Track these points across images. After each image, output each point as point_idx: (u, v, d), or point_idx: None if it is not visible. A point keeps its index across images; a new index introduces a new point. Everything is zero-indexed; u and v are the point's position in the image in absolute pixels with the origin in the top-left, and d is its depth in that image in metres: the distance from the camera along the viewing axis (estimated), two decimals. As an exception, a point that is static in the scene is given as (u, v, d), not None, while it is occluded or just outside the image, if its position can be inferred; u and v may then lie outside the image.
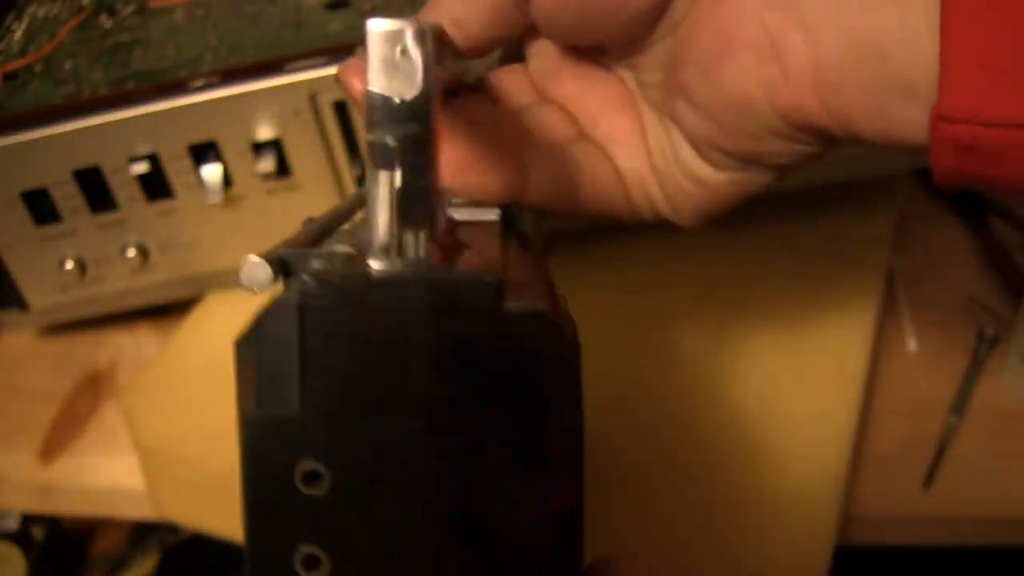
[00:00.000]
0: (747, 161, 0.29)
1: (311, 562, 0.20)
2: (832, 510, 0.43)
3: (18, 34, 0.51)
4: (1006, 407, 0.47)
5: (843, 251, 0.52)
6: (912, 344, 0.50)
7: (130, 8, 0.51)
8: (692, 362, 0.49)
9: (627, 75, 0.32)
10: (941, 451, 0.45)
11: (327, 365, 0.19)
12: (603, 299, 0.52)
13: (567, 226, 0.51)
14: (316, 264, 0.19)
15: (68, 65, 0.47)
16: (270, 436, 0.19)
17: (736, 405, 0.47)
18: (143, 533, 0.68)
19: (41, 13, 0.52)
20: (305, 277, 0.19)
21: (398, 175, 0.19)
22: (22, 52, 0.49)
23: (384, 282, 0.19)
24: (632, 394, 0.48)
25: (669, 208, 0.32)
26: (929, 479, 0.45)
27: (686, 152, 0.30)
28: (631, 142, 0.32)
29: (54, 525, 0.62)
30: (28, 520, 0.61)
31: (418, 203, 0.19)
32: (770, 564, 0.43)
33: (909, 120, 0.25)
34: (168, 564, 0.67)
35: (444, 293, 0.19)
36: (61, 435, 0.52)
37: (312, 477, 0.19)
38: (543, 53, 0.32)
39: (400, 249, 0.19)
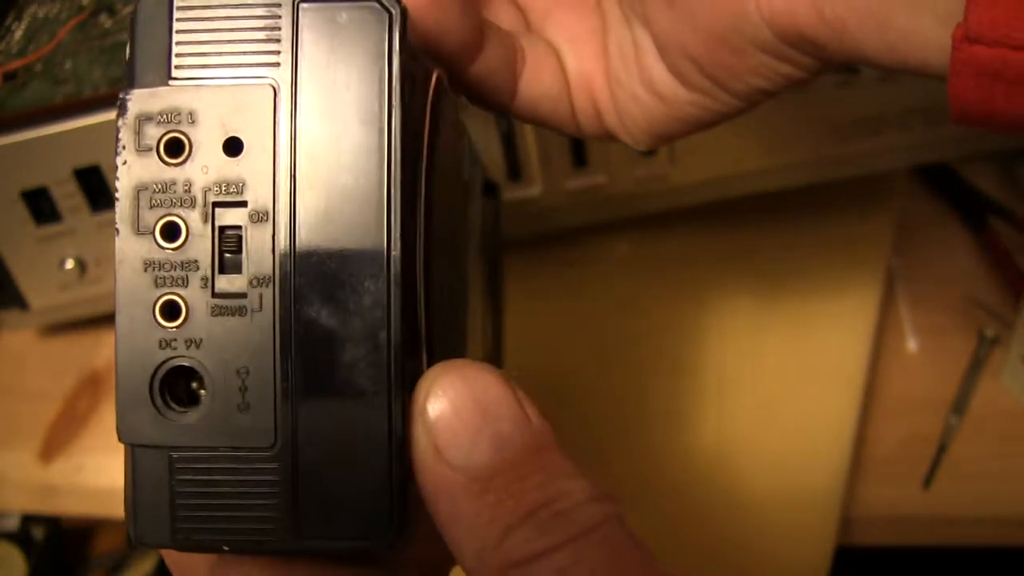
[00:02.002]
0: (719, 80, 0.26)
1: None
2: (832, 510, 0.43)
3: (18, 34, 0.51)
4: (1006, 407, 0.47)
5: (843, 251, 0.52)
6: (912, 344, 0.50)
7: (130, 8, 0.51)
8: (691, 363, 0.49)
9: None
10: (941, 451, 0.45)
11: (191, 40, 0.21)
12: (599, 299, 0.52)
13: (559, 224, 0.51)
14: None
15: (68, 64, 0.47)
16: (141, 104, 0.20)
17: (736, 406, 0.47)
18: (143, 533, 0.68)
19: (41, 13, 0.52)
20: None
21: None
22: (22, 52, 0.49)
23: None
24: (631, 396, 0.48)
25: (617, 121, 0.29)
26: (929, 479, 0.45)
27: (652, 60, 0.27)
28: (587, 41, 0.29)
29: (54, 525, 0.62)
30: (28, 520, 0.61)
31: None
32: (771, 565, 0.43)
33: (918, 35, 0.22)
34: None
35: None
36: (61, 435, 0.52)
37: (174, 146, 0.20)
38: None
39: None
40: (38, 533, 0.61)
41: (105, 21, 0.50)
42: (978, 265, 0.53)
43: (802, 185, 0.50)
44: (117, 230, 0.20)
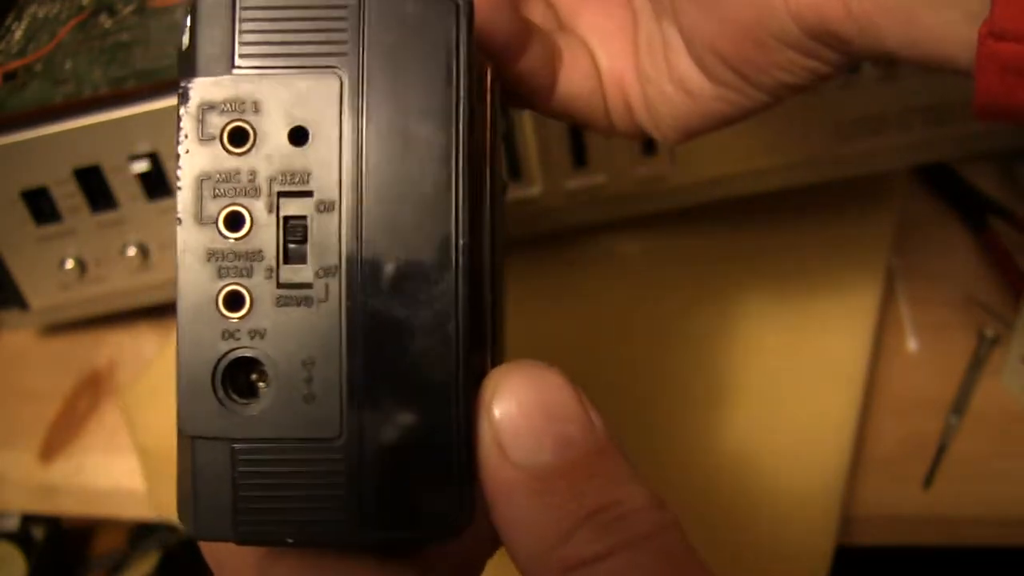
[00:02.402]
0: (745, 75, 0.26)
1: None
2: (832, 510, 0.43)
3: (18, 34, 0.51)
4: (1006, 407, 0.47)
5: (843, 251, 0.52)
6: (912, 344, 0.50)
7: (130, 8, 0.51)
8: (691, 362, 0.49)
9: None
10: (941, 451, 0.45)
11: (256, 29, 0.20)
12: (599, 299, 0.52)
13: (559, 224, 0.51)
14: None
15: (68, 64, 0.47)
16: (204, 93, 0.20)
17: (736, 405, 0.47)
18: (143, 533, 0.68)
19: (41, 13, 0.52)
20: None
21: None
22: (22, 52, 0.49)
23: None
24: (631, 396, 0.48)
25: (647, 117, 0.30)
26: (929, 479, 0.45)
27: (680, 56, 0.28)
28: (618, 37, 0.29)
29: (54, 525, 0.62)
30: (28, 520, 0.61)
31: None
32: (770, 564, 0.43)
33: (943, 30, 0.22)
34: (168, 564, 0.67)
35: None
36: (61, 435, 0.52)
37: (238, 135, 0.20)
38: None
39: None
40: (38, 533, 0.61)
41: (105, 21, 0.50)
42: (978, 265, 0.53)
43: (802, 185, 0.50)
44: (179, 219, 0.20)
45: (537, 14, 0.29)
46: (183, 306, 0.20)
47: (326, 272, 0.20)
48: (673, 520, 0.20)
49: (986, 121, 0.23)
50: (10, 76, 0.48)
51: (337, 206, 0.20)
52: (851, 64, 0.26)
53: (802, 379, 0.47)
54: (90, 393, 0.53)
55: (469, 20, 0.20)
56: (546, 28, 0.29)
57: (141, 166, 0.45)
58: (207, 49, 0.20)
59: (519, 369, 0.20)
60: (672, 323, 0.50)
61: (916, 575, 0.60)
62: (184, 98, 0.20)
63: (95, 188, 0.46)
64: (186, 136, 0.20)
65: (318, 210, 0.20)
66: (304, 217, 0.20)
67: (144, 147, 0.45)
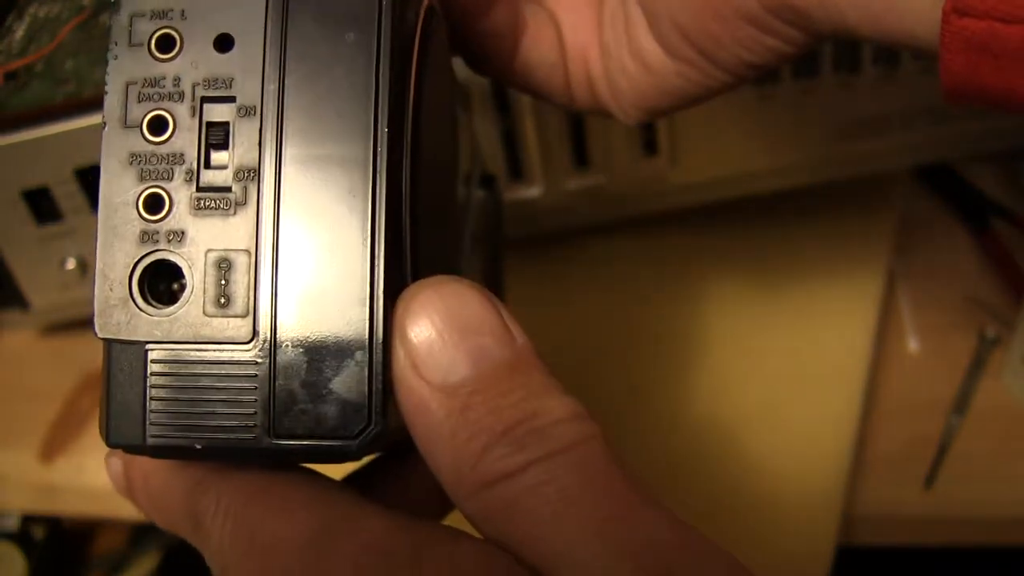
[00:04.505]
0: (706, 51, 0.26)
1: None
2: (833, 510, 0.43)
3: (19, 34, 0.51)
4: (1007, 407, 0.47)
5: (843, 251, 0.52)
6: (912, 344, 0.50)
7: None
8: (691, 363, 0.49)
9: None
10: (942, 451, 0.45)
11: None
12: (600, 299, 0.52)
13: (559, 224, 0.51)
14: None
15: (69, 64, 0.47)
16: (134, 1, 0.20)
17: (737, 406, 0.47)
18: (143, 533, 0.68)
19: (42, 13, 0.52)
20: None
21: None
22: (23, 52, 0.49)
23: None
24: (631, 396, 0.48)
25: (608, 92, 0.29)
26: (930, 479, 0.45)
27: (641, 31, 0.28)
28: (584, 11, 0.29)
29: (54, 525, 0.62)
30: (28, 520, 0.61)
31: None
32: (771, 564, 0.43)
33: (904, 6, 0.22)
34: (168, 564, 0.67)
35: None
36: (61, 435, 0.52)
37: (165, 41, 0.20)
38: None
39: None
40: (38, 533, 0.61)
41: (106, 21, 0.50)
42: (979, 265, 0.53)
43: (803, 186, 0.50)
44: (104, 124, 0.20)
45: None
46: (103, 208, 0.20)
47: (245, 176, 0.20)
48: (594, 432, 0.19)
49: (956, 103, 0.22)
50: (11, 76, 0.48)
51: (259, 111, 0.20)
52: (814, 43, 0.25)
53: (803, 379, 0.47)
54: (90, 393, 0.53)
55: None
56: None
57: (142, 166, 0.45)
58: None
59: (431, 285, 0.20)
60: (672, 323, 0.50)
61: (917, 575, 0.60)
62: (115, 8, 0.21)
63: (96, 188, 0.46)
64: (115, 43, 0.20)
65: (240, 115, 0.20)
66: (226, 123, 0.20)
67: (145, 147, 0.45)
